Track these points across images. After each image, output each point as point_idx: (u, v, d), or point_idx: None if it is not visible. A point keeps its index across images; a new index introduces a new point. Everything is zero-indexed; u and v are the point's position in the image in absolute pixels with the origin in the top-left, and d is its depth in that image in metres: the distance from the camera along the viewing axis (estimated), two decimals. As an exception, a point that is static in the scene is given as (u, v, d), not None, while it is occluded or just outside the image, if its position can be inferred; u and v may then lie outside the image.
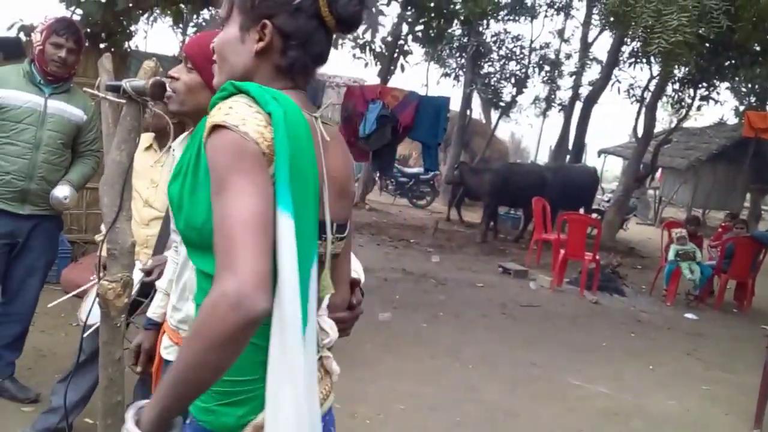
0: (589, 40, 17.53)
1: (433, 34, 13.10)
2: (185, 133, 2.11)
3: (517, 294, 7.75)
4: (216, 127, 1.14)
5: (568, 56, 18.30)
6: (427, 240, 10.91)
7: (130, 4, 5.80)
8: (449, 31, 14.54)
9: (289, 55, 1.29)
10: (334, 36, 1.39)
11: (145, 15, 8.27)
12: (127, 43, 6.19)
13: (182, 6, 6.93)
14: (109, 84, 1.85)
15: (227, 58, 1.33)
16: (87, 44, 6.01)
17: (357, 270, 1.65)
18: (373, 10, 12.19)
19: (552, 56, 17.67)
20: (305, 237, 1.18)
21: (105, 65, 2.65)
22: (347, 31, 1.34)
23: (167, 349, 1.88)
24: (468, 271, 8.78)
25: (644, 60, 12.80)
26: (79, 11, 5.71)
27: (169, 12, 7.25)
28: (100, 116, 1.87)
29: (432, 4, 12.40)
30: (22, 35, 5.58)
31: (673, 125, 16.12)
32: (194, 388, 1.12)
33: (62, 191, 3.24)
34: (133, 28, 6.49)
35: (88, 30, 5.69)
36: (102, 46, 5.97)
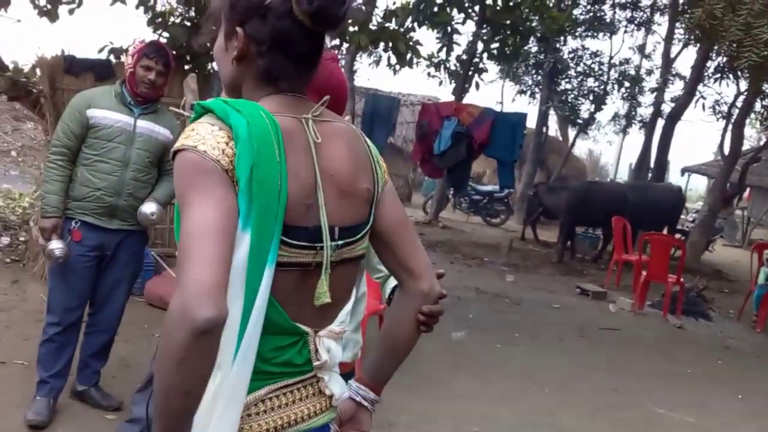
0: (672, 55, 17.02)
1: (508, 52, 13.02)
2: None
3: (596, 316, 7.51)
4: (177, 152, 1.16)
5: (650, 72, 17.84)
6: (501, 259, 10.74)
7: (214, 27, 5.99)
8: (525, 48, 14.41)
9: (264, 61, 1.26)
10: (329, 36, 1.33)
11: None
12: (210, 64, 6.39)
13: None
14: (194, 103, 1.90)
15: (219, 65, 1.35)
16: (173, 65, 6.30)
17: None
18: (448, 29, 12.23)
19: (632, 72, 17.25)
20: (260, 252, 1.15)
21: (190, 86, 2.74)
22: (327, 27, 1.26)
23: None
24: (544, 291, 8.59)
25: (731, 75, 12.31)
26: (166, 34, 5.94)
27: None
28: None
29: (508, 22, 12.34)
30: (112, 57, 5.84)
31: (762, 142, 15.39)
32: (172, 417, 1.10)
33: (149, 207, 3.35)
34: (216, 49, 6.70)
35: (174, 52, 5.91)
36: (186, 67, 6.18)
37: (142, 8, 6.13)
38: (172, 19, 6.24)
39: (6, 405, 3.43)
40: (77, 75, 5.63)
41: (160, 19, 6.14)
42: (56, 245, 3.22)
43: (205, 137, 1.15)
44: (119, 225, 3.36)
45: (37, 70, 5.99)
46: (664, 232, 11.27)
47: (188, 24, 6.12)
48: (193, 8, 6.14)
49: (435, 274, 1.44)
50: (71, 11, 6.37)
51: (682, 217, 14.84)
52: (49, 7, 6.29)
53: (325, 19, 1.22)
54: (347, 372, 1.70)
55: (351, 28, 6.99)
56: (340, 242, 1.26)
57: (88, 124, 3.28)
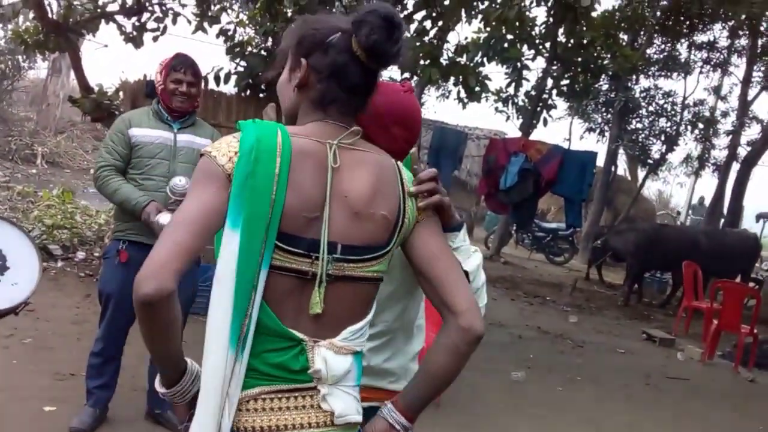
0: (749, 97, 16.54)
1: (578, 89, 12.89)
2: None
3: (663, 364, 7.23)
4: (201, 156, 1.37)
5: (725, 114, 17.37)
6: (564, 298, 10.51)
7: (282, 64, 6.15)
8: (595, 85, 14.23)
9: (318, 87, 1.43)
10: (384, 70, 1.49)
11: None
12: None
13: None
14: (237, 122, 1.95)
15: (282, 96, 1.53)
16: (248, 93, 6.48)
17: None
18: (518, 65, 12.20)
19: (707, 114, 16.81)
20: (250, 252, 1.30)
21: (269, 113, 2.80)
22: (380, 63, 1.42)
23: None
24: (608, 334, 8.34)
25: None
26: (243, 63, 6.13)
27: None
28: None
29: (579, 59, 12.23)
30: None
31: None
32: (152, 354, 1.36)
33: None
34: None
35: (250, 81, 6.09)
36: (261, 95, 6.34)
37: (222, 38, 6.35)
38: (249, 48, 6.45)
39: (74, 415, 3.49)
40: (158, 99, 5.85)
41: (238, 49, 6.35)
42: (164, 218, 3.12)
43: (221, 146, 1.35)
44: None
45: (120, 93, 6.26)
46: (737, 280, 10.84)
47: (265, 54, 6.30)
48: (270, 39, 6.33)
49: (479, 313, 1.43)
50: (155, 38, 6.67)
51: (757, 265, 14.26)
52: (134, 33, 6.60)
53: (378, 54, 1.39)
54: None
55: (422, 62, 7.06)
56: (340, 256, 1.36)
57: (130, 143, 3.31)
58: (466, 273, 1.63)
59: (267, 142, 1.33)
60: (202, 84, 3.46)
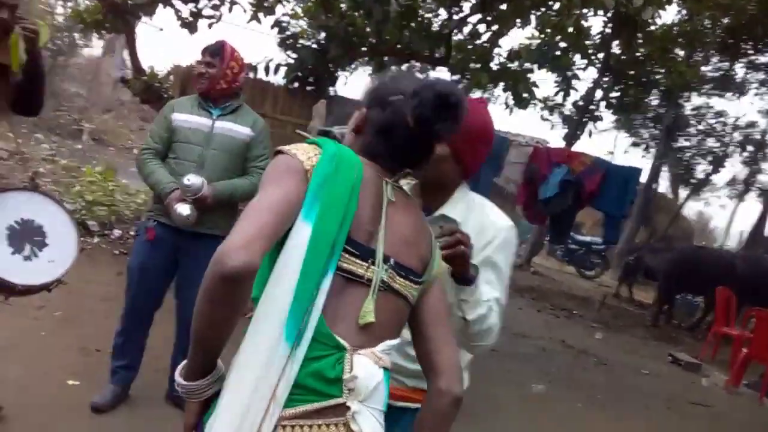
0: (804, 123, 16.14)
1: (627, 102, 12.71)
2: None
3: (687, 389, 7.15)
4: (276, 153, 1.44)
5: (777, 139, 16.94)
6: (591, 314, 10.42)
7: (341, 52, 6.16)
8: (645, 100, 14.01)
9: (368, 139, 1.52)
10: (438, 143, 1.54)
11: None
12: (330, 88, 6.58)
13: (385, 58, 7.25)
14: (320, 129, 2.01)
15: (346, 131, 1.62)
16: (297, 86, 6.55)
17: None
18: (568, 74, 12.05)
19: (757, 136, 16.44)
20: (320, 246, 1.32)
21: (319, 110, 2.86)
22: (428, 134, 1.46)
23: None
24: (634, 354, 8.26)
25: None
26: (294, 55, 6.19)
27: (373, 61, 7.65)
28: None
29: (632, 72, 12.06)
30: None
31: None
32: (199, 338, 1.30)
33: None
34: (338, 74, 6.89)
35: (299, 74, 6.16)
36: (309, 89, 6.39)
37: (276, 29, 6.42)
38: (301, 41, 6.52)
39: (96, 390, 3.54)
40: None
41: (290, 41, 6.42)
42: (182, 209, 3.24)
43: (299, 148, 1.44)
44: (195, 228, 3.33)
45: (171, 77, 6.38)
46: (773, 310, 10.62)
47: (316, 47, 6.36)
48: (323, 33, 6.39)
49: (459, 376, 1.48)
50: (210, 25, 6.77)
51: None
52: (190, 19, 6.71)
53: (424, 126, 1.45)
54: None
55: (472, 65, 7.05)
56: (393, 265, 1.42)
57: (171, 127, 3.40)
58: (467, 321, 1.71)
59: (347, 154, 1.44)
60: (228, 67, 3.41)
